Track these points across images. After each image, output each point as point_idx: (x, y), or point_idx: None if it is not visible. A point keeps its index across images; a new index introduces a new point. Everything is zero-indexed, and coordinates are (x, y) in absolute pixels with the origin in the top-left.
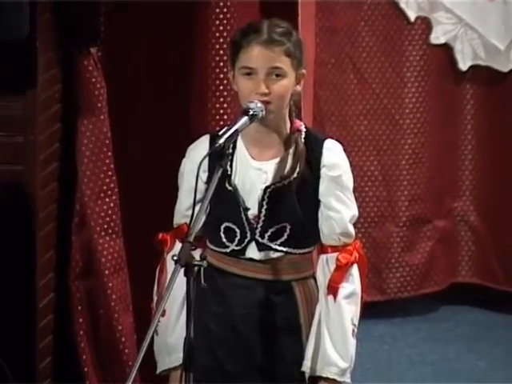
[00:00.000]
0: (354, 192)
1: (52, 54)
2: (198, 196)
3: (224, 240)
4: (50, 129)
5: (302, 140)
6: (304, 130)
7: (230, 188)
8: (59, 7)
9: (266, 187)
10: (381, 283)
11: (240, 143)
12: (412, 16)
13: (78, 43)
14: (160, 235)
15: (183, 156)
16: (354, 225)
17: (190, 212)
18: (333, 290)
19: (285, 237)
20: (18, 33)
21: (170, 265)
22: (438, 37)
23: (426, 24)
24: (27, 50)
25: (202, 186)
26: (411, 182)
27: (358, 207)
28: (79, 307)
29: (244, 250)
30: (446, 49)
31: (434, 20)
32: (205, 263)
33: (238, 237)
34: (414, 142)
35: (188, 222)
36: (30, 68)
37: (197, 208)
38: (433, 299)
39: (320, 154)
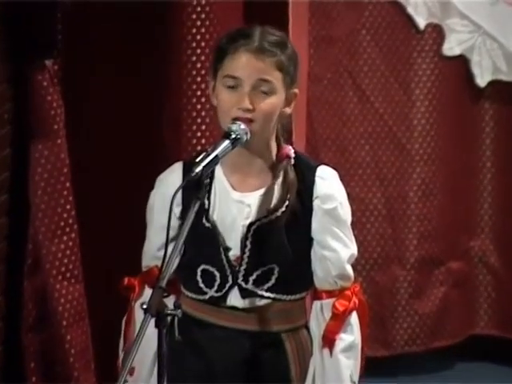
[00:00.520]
0: (352, 228)
1: (0, 68)
2: (172, 234)
3: (201, 285)
4: None
5: (292, 168)
6: (293, 154)
7: (207, 224)
8: (8, 11)
9: (250, 223)
10: (385, 336)
11: (218, 171)
12: (421, 23)
13: (31, 54)
14: (126, 280)
15: (151, 187)
16: (354, 267)
17: (161, 253)
18: (329, 341)
19: (272, 281)
20: None
21: (138, 314)
22: (451, 47)
23: (437, 32)
24: None
25: (174, 223)
26: (421, 218)
27: (359, 246)
28: (32, 364)
29: (225, 296)
30: (462, 61)
31: (447, 28)
32: (179, 312)
33: (218, 281)
34: (423, 170)
35: (159, 265)
36: None
37: (170, 248)
38: (446, 354)
39: (312, 183)
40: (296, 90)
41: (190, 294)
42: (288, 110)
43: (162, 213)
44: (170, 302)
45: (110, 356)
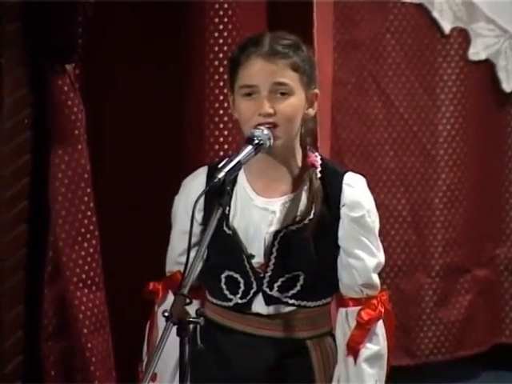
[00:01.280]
0: (379, 235)
1: (20, 72)
2: (194, 240)
3: (226, 292)
4: (17, 161)
5: (318, 176)
6: (320, 162)
7: (228, 231)
8: (29, 16)
9: (277, 231)
10: (410, 344)
11: (241, 177)
12: (447, 27)
13: (52, 59)
14: (151, 285)
15: (175, 192)
16: (379, 275)
17: (183, 258)
18: (353, 350)
19: (298, 288)
20: None
21: (161, 320)
22: (477, 52)
23: (463, 37)
24: None
25: (196, 229)
26: (446, 225)
27: (383, 254)
28: (52, 372)
29: (249, 303)
30: (488, 66)
31: (473, 32)
32: (202, 320)
33: (242, 288)
34: (449, 176)
35: (182, 270)
36: None
37: (192, 254)
38: (472, 363)
39: (339, 190)
40: (316, 91)
41: (214, 301)
42: (311, 112)
43: (184, 218)
44: (193, 308)
45: (132, 364)
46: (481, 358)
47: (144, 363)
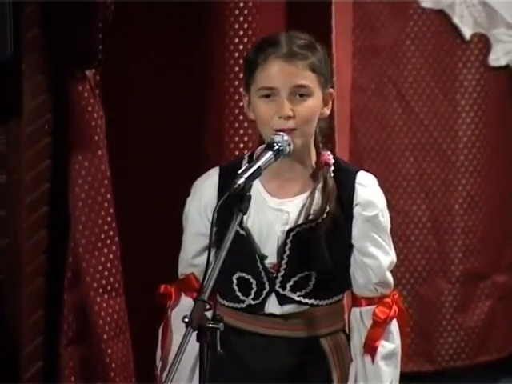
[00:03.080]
0: (397, 240)
1: (40, 78)
2: (204, 242)
3: (238, 294)
4: (37, 167)
5: (331, 175)
6: (332, 160)
7: (241, 232)
8: (49, 22)
9: (289, 230)
10: (430, 350)
11: None
12: (467, 33)
13: (72, 65)
14: (162, 287)
15: None
16: (398, 280)
17: (197, 260)
18: (371, 349)
19: (310, 287)
20: None
21: (174, 323)
22: (498, 58)
23: (483, 43)
24: (10, 74)
25: (207, 230)
26: (466, 230)
27: (403, 259)
28: (72, 378)
29: (262, 304)
30: (508, 72)
31: (494, 38)
32: (221, 326)
33: (255, 289)
34: (469, 182)
35: (195, 272)
36: (13, 95)
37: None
38: (492, 369)
39: (352, 189)
40: (331, 90)
41: (226, 303)
42: (326, 111)
43: (196, 220)
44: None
45: (151, 370)
46: (500, 364)
47: (158, 368)
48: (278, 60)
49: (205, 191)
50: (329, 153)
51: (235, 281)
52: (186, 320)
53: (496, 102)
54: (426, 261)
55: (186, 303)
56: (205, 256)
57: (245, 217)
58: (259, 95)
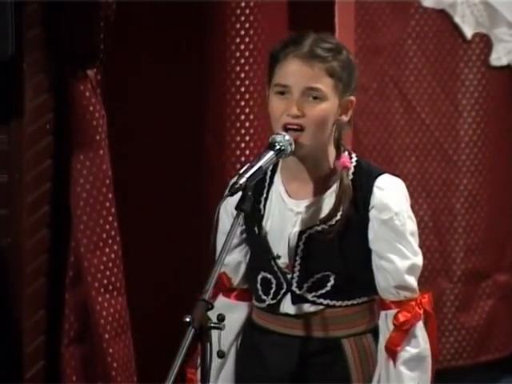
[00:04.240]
0: None
1: (42, 78)
2: (234, 242)
3: (260, 293)
4: (39, 166)
5: (350, 176)
6: (354, 164)
7: (257, 231)
8: (50, 21)
9: (301, 231)
10: None
11: (278, 178)
12: (469, 33)
13: (73, 64)
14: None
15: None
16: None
17: (226, 259)
18: (391, 353)
19: (328, 288)
20: (0, 52)
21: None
22: (499, 57)
23: (485, 42)
24: (12, 73)
25: (238, 230)
26: (467, 230)
27: (421, 257)
28: (74, 377)
29: (279, 303)
30: (509, 71)
31: (495, 37)
32: (223, 325)
33: (274, 289)
34: (470, 182)
35: (227, 272)
36: (15, 94)
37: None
38: (493, 368)
39: (370, 192)
40: (352, 98)
41: (255, 303)
42: (344, 118)
43: (224, 219)
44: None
45: (153, 369)
46: (502, 363)
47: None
48: (297, 59)
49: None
50: (352, 156)
51: (259, 281)
52: (187, 320)
53: (497, 101)
54: (427, 260)
55: (220, 304)
56: (234, 254)
57: (265, 218)
58: (274, 91)
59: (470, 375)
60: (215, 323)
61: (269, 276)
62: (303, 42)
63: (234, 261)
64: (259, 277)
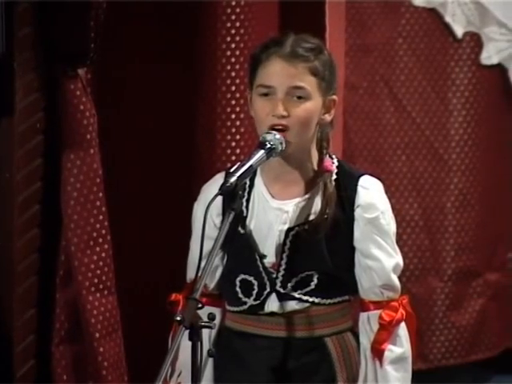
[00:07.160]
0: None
1: (32, 77)
2: (210, 245)
3: (240, 296)
4: (29, 165)
5: (333, 180)
6: (336, 164)
7: (242, 231)
8: (41, 20)
9: (289, 229)
10: (422, 348)
11: (259, 180)
12: (459, 32)
13: (64, 63)
14: (173, 296)
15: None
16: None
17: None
18: (377, 352)
19: (312, 286)
20: None
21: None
22: (489, 56)
23: (475, 41)
24: (2, 72)
25: (215, 233)
26: (458, 229)
27: (401, 257)
28: (64, 377)
29: (263, 303)
30: (500, 70)
31: (485, 36)
32: (213, 324)
33: (256, 290)
34: (461, 181)
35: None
36: (5, 93)
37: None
38: (484, 367)
39: (354, 192)
40: (335, 97)
41: (231, 308)
42: (327, 117)
43: (199, 221)
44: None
45: (144, 369)
46: (493, 362)
47: (167, 374)
48: (280, 59)
49: (210, 195)
50: (333, 157)
51: (238, 283)
52: (178, 318)
53: (488, 100)
54: (418, 259)
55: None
56: (213, 260)
57: (248, 219)
58: (258, 93)
59: (460, 374)
60: (206, 322)
61: (249, 278)
62: (285, 43)
63: (213, 266)
64: (238, 279)
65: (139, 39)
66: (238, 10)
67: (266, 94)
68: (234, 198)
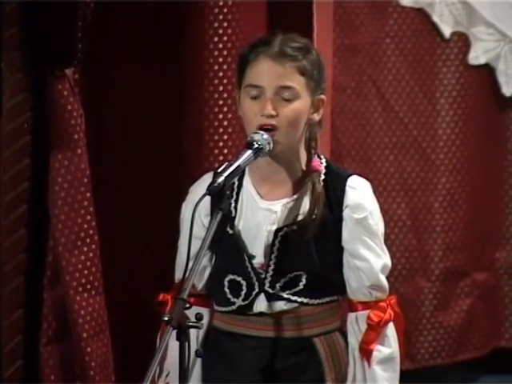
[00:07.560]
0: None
1: (19, 77)
2: (199, 245)
3: (229, 296)
4: (16, 165)
5: (321, 180)
6: (324, 165)
7: (230, 232)
8: (28, 20)
9: (277, 230)
10: (410, 348)
11: (247, 180)
12: (447, 31)
13: (51, 63)
14: (161, 296)
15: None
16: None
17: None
18: (366, 352)
19: (300, 287)
20: None
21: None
22: (477, 56)
23: (463, 41)
24: None
25: (203, 233)
26: (445, 229)
27: (389, 258)
28: (52, 377)
29: (251, 304)
30: (487, 70)
31: (473, 36)
32: (201, 324)
33: (245, 290)
34: (448, 180)
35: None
36: None
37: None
38: (472, 367)
39: (342, 192)
40: (323, 97)
41: (219, 308)
42: (316, 117)
43: (187, 222)
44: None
45: (131, 369)
46: (481, 362)
47: (155, 374)
48: (268, 59)
49: (198, 195)
50: (322, 157)
51: (226, 283)
52: (166, 318)
53: (475, 100)
54: (405, 259)
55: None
56: (201, 260)
57: (236, 219)
58: (247, 93)
59: (448, 374)
60: (193, 322)
61: (238, 278)
62: (273, 42)
63: (201, 266)
64: (226, 279)
65: (126, 39)
66: (225, 10)
67: (254, 94)
68: (222, 198)
